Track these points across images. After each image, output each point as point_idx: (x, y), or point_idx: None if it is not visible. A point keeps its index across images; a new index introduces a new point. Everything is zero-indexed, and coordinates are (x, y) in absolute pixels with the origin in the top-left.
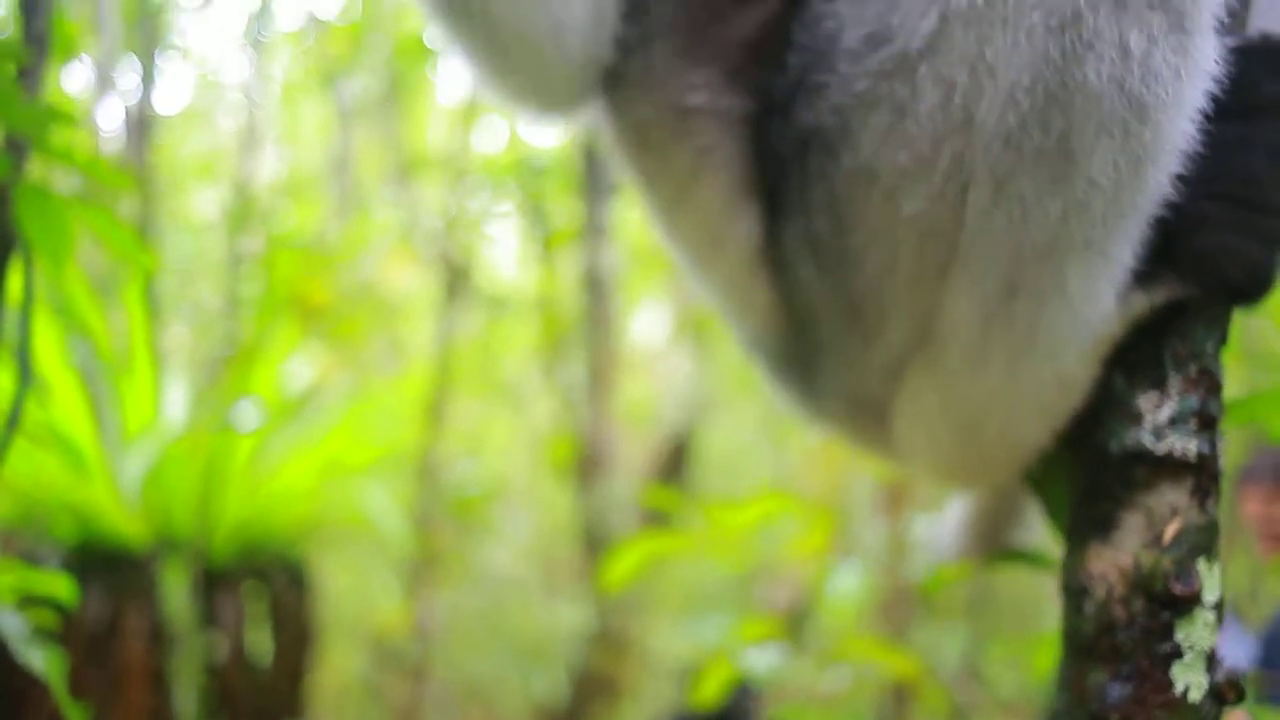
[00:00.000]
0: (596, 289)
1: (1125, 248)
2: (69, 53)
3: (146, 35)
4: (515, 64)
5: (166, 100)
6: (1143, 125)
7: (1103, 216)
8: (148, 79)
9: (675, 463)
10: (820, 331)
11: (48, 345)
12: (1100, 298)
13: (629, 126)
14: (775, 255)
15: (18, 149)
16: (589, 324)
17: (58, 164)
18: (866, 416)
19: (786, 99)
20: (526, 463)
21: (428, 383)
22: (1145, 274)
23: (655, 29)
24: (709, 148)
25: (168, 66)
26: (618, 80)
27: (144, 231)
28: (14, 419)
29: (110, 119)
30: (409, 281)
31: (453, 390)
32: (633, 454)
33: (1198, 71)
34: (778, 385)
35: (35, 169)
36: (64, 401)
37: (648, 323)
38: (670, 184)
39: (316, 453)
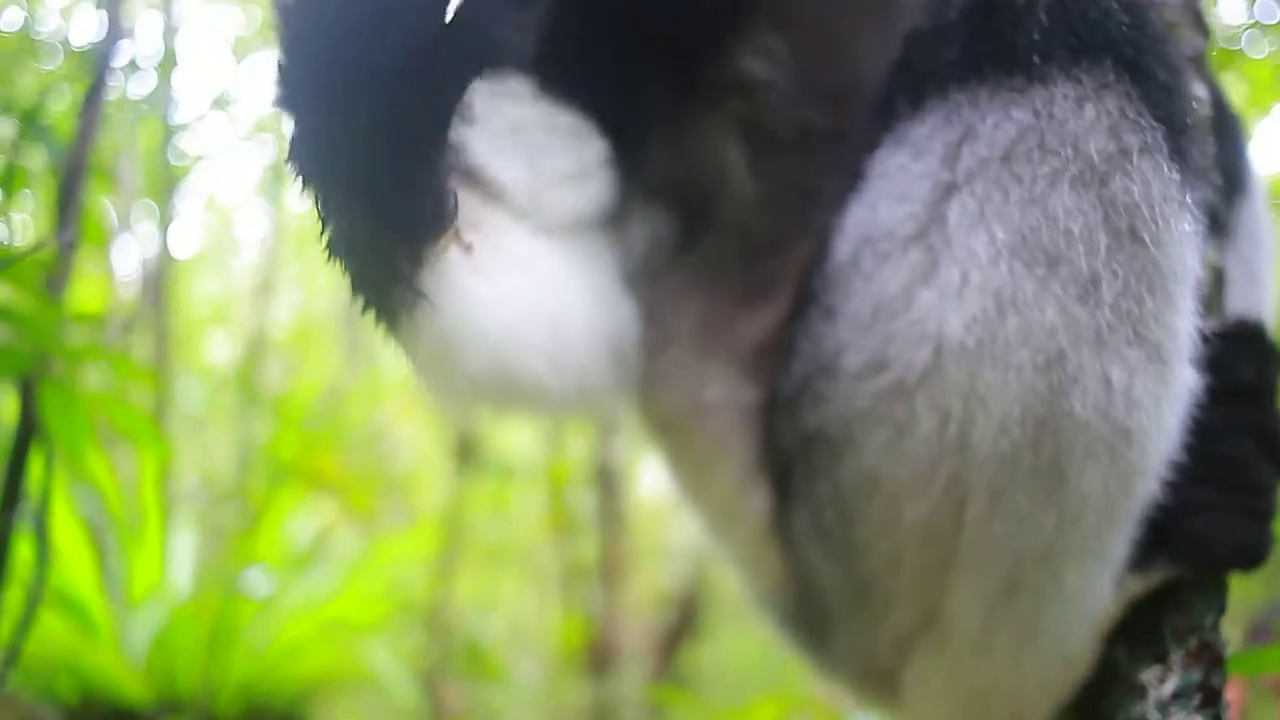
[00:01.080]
0: (607, 480)
1: (1120, 546)
2: (97, 241)
3: (165, 181)
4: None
5: (182, 244)
6: (1129, 448)
7: (1096, 527)
8: (164, 224)
9: (687, 614)
10: (829, 604)
11: (57, 498)
12: (1098, 590)
13: (650, 415)
14: (785, 533)
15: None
16: (600, 516)
17: (80, 361)
18: (876, 681)
19: (792, 399)
20: (537, 633)
21: (437, 538)
22: (1141, 558)
23: (673, 334)
24: (724, 435)
25: (185, 212)
26: (641, 381)
27: (158, 376)
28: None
29: (127, 263)
30: (419, 437)
31: (462, 547)
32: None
33: (1178, 394)
34: (787, 640)
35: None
36: (71, 559)
37: (658, 471)
38: (688, 465)
39: (323, 610)
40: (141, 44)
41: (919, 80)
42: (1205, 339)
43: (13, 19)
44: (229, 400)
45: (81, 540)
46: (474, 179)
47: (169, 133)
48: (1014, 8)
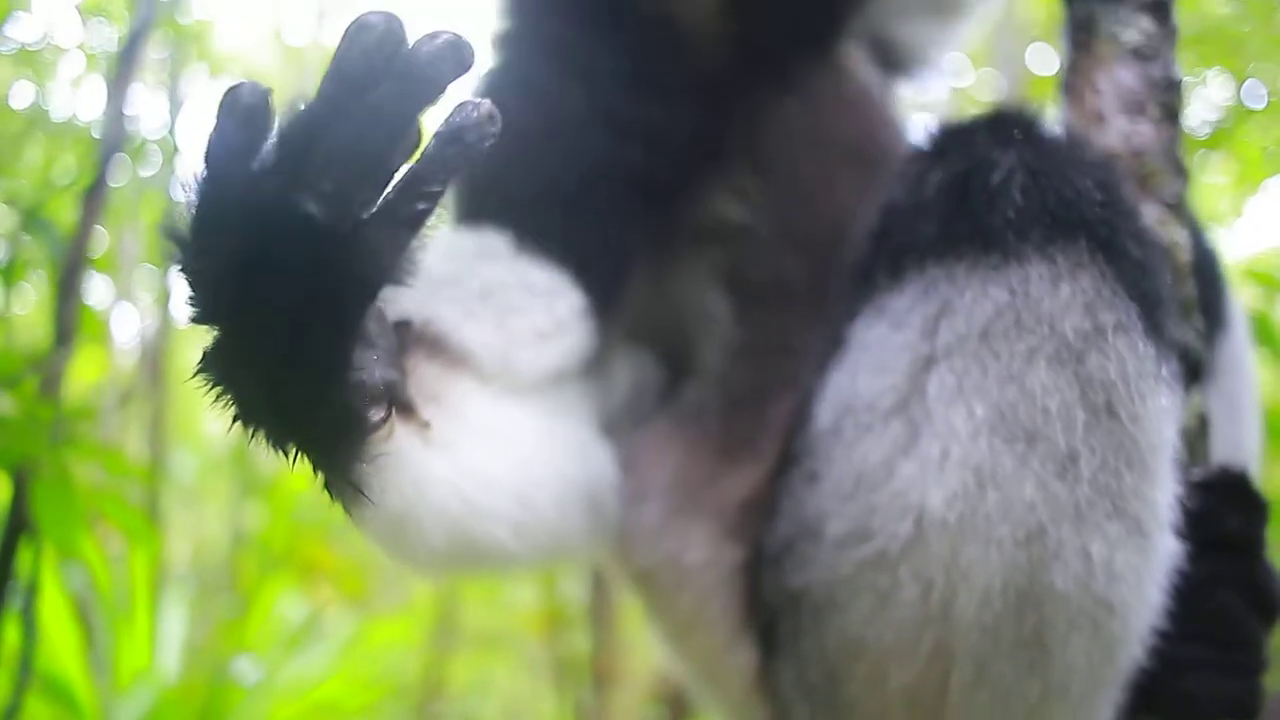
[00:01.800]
0: (599, 576)
1: (1106, 709)
2: (94, 333)
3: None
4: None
5: (182, 312)
6: (1111, 619)
7: (1081, 696)
8: (164, 295)
9: (677, 712)
10: None
11: (46, 575)
12: None
13: (629, 569)
14: (771, 686)
15: (36, 428)
16: (593, 613)
17: (77, 458)
18: None
19: (776, 557)
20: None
21: (429, 622)
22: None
23: (653, 488)
24: (707, 595)
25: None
26: (619, 533)
27: (153, 446)
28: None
29: (126, 331)
30: None
31: (455, 631)
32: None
33: (1159, 565)
34: None
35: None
36: (58, 639)
37: None
38: (669, 620)
39: (313, 693)
40: (146, 123)
41: (897, 252)
42: (1190, 489)
43: (23, 95)
44: (224, 474)
45: (69, 620)
46: (440, 347)
47: (171, 204)
48: (989, 187)
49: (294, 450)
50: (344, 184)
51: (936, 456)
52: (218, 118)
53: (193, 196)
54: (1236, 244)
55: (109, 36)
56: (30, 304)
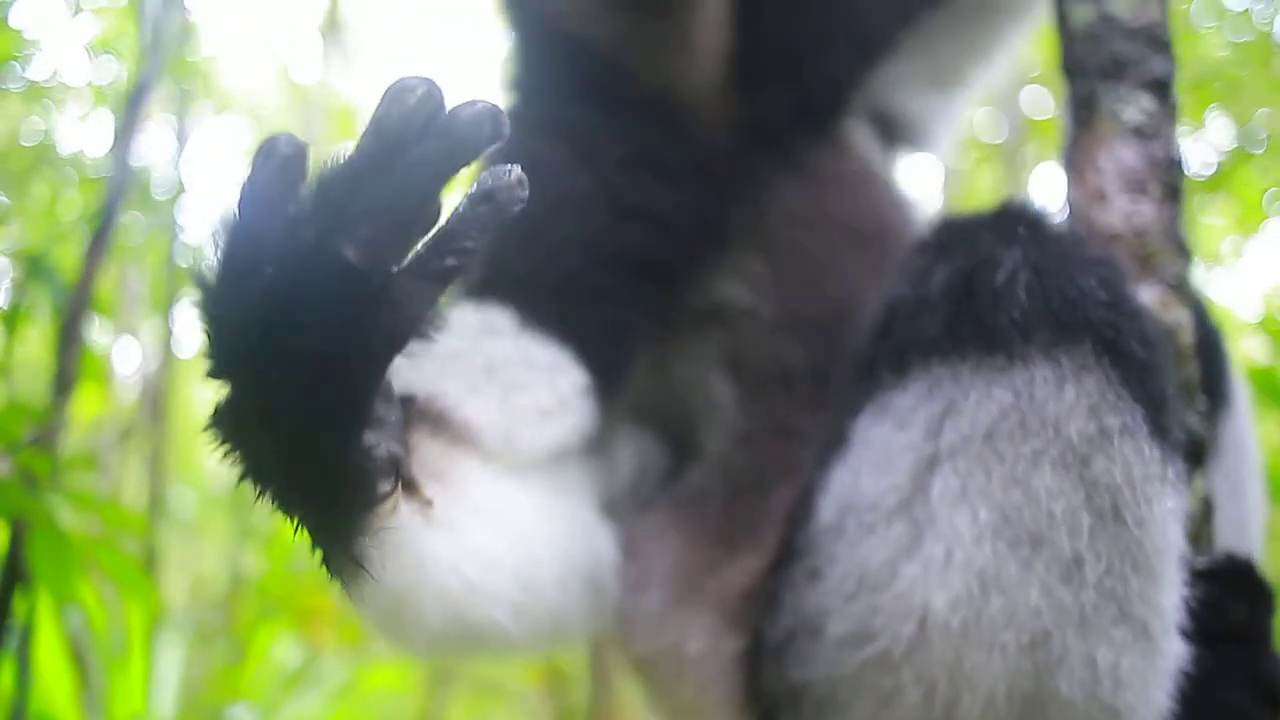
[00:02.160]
0: (600, 642)
1: None
2: (95, 380)
3: (169, 283)
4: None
5: (185, 344)
6: None
7: None
8: (166, 331)
9: None
10: None
11: (41, 616)
12: None
13: (630, 658)
14: None
15: (33, 485)
16: (591, 667)
17: (76, 509)
18: None
19: (777, 650)
20: None
21: (426, 667)
22: None
23: (654, 574)
24: (707, 684)
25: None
26: (619, 618)
27: (152, 481)
28: None
29: (128, 364)
30: None
31: (452, 677)
32: None
33: (1166, 668)
34: None
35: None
36: (52, 682)
37: None
38: (670, 709)
39: None
40: (153, 159)
41: (902, 349)
42: (1195, 577)
43: (32, 131)
44: (223, 511)
45: (64, 662)
46: (443, 423)
47: (176, 240)
48: (993, 288)
49: (297, 518)
50: (381, 234)
51: (940, 559)
52: (254, 165)
53: (222, 241)
54: (1237, 286)
55: (117, 72)
56: (31, 340)
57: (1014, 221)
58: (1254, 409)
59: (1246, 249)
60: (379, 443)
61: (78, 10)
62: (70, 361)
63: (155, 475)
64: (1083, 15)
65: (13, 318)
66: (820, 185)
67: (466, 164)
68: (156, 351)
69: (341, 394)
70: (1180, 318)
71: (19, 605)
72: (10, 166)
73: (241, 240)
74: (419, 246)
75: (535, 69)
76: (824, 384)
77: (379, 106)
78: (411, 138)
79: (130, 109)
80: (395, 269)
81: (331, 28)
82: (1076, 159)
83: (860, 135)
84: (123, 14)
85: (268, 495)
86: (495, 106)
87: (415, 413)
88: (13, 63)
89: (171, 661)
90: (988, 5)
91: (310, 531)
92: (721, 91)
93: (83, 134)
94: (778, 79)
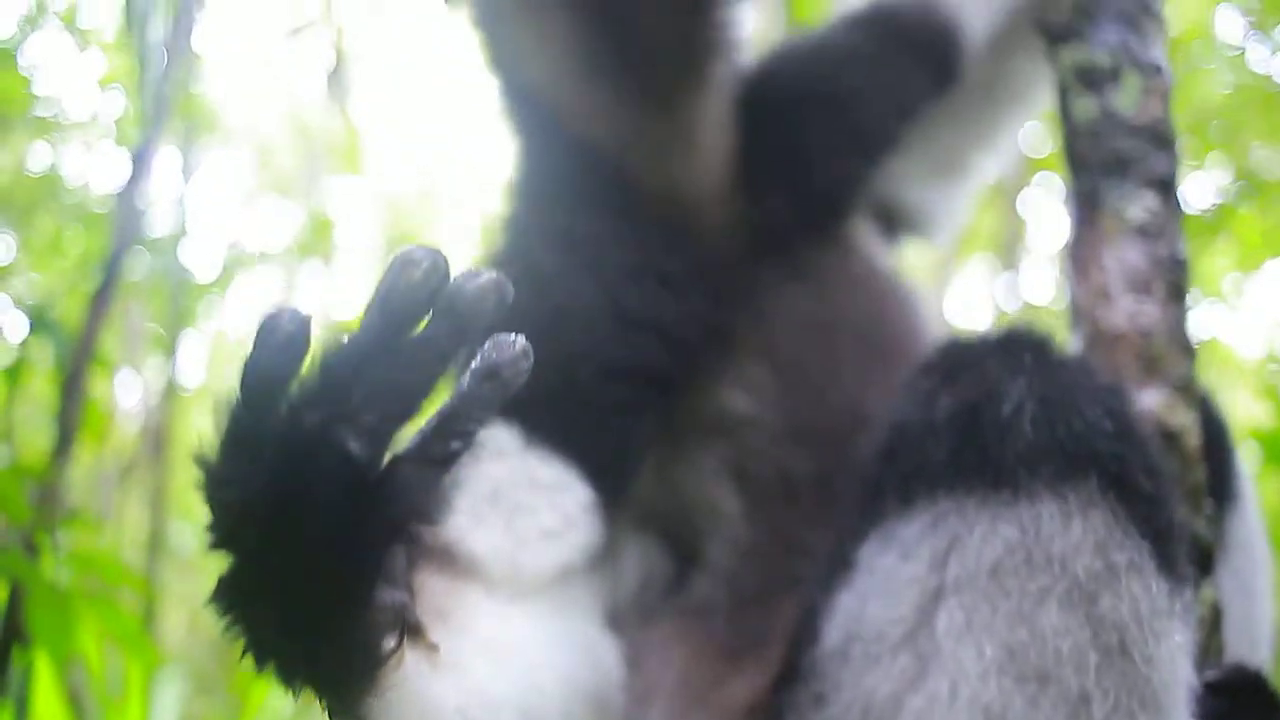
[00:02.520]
0: None
1: None
2: (98, 436)
3: (172, 316)
4: None
5: (187, 376)
6: None
7: None
8: (170, 358)
9: None
10: None
11: (41, 665)
12: None
13: None
14: None
15: (31, 549)
16: None
17: (76, 569)
18: None
19: None
20: None
21: None
22: None
23: (659, 687)
24: None
25: (191, 345)
26: None
27: (153, 517)
28: None
29: (130, 395)
30: None
31: None
32: None
33: None
34: None
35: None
36: None
37: None
38: None
39: None
40: (155, 196)
41: (907, 476)
42: (1204, 690)
43: (41, 160)
44: None
45: (62, 709)
46: (449, 558)
47: (179, 275)
48: (999, 419)
49: (301, 685)
50: (383, 421)
51: (945, 694)
52: (256, 342)
53: (225, 421)
54: (1238, 325)
55: (124, 106)
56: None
57: (1019, 348)
58: (1259, 470)
59: (1247, 287)
60: (382, 602)
61: (85, 46)
62: (72, 416)
63: (156, 511)
64: (1085, 109)
65: (15, 372)
66: (825, 289)
67: (471, 341)
68: (158, 386)
69: (344, 576)
70: (1186, 421)
71: (18, 658)
72: (16, 201)
73: (243, 424)
74: (422, 427)
75: (539, 173)
76: (829, 494)
77: (383, 279)
78: (415, 315)
79: (137, 162)
80: (398, 453)
81: (336, 63)
82: (1080, 255)
83: (864, 231)
84: (129, 48)
85: (269, 667)
86: (499, 278)
87: (420, 549)
88: (19, 100)
89: (169, 709)
90: (990, 93)
91: (316, 696)
92: (725, 195)
93: (89, 166)
94: (781, 181)
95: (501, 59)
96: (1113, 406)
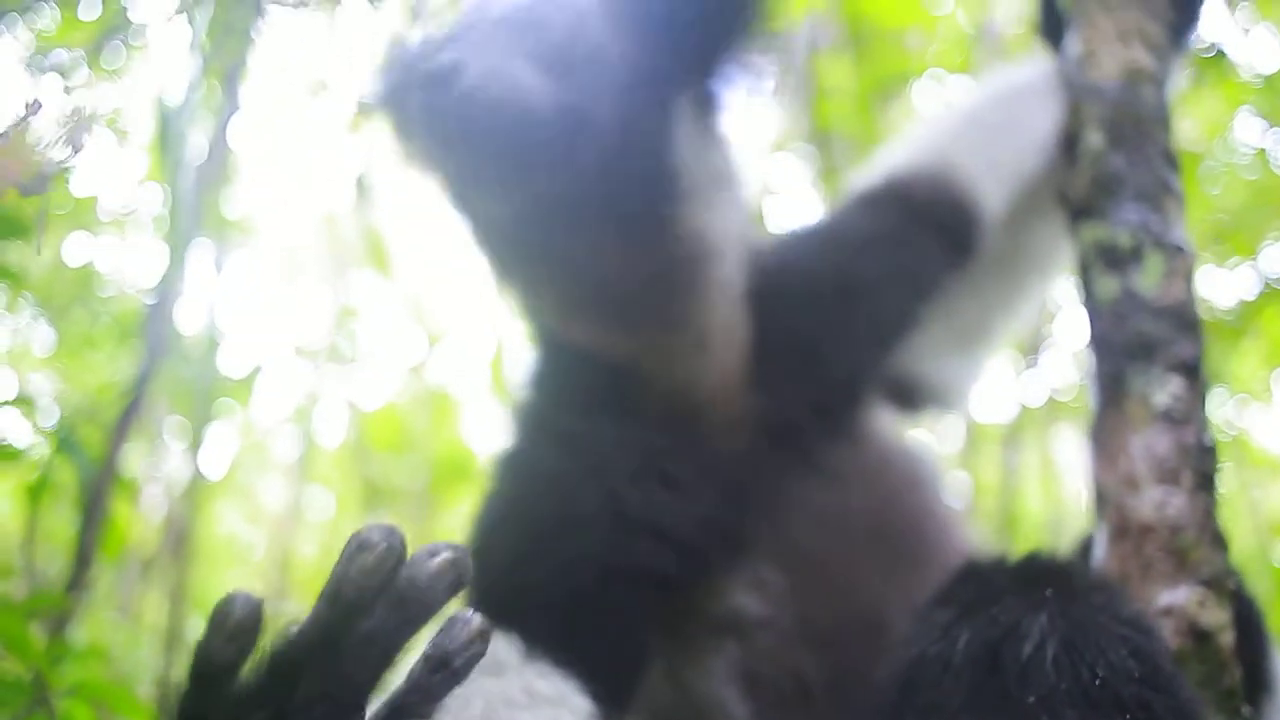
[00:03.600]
0: None
1: None
2: (115, 556)
3: (199, 408)
4: None
5: (211, 466)
6: None
7: None
8: (194, 448)
9: None
10: None
11: None
12: None
13: None
14: None
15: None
16: None
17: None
18: None
19: None
20: None
21: None
22: None
23: None
24: None
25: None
26: None
27: (173, 610)
28: None
29: (150, 490)
30: None
31: None
32: None
33: None
34: None
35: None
36: None
37: None
38: None
39: None
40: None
41: (925, 711)
42: None
43: (79, 254)
44: None
45: None
46: None
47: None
48: (1020, 660)
49: None
50: (327, 716)
51: None
52: (207, 629)
53: (176, 709)
54: (1269, 425)
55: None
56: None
57: (1040, 578)
58: None
59: (1275, 384)
60: None
61: (123, 141)
62: (90, 546)
63: (175, 606)
64: (1107, 289)
65: (38, 491)
66: (839, 484)
67: (422, 626)
68: (181, 477)
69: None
70: (1220, 619)
71: None
72: (56, 297)
73: (191, 715)
74: (374, 713)
75: (551, 374)
76: (842, 697)
77: (337, 565)
78: (368, 604)
79: (166, 279)
80: None
81: (366, 177)
82: (1105, 440)
83: (879, 416)
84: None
85: None
86: (458, 554)
87: None
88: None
89: None
90: (1011, 263)
91: None
92: (737, 388)
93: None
94: (796, 374)
95: (506, 288)
96: (1139, 645)
